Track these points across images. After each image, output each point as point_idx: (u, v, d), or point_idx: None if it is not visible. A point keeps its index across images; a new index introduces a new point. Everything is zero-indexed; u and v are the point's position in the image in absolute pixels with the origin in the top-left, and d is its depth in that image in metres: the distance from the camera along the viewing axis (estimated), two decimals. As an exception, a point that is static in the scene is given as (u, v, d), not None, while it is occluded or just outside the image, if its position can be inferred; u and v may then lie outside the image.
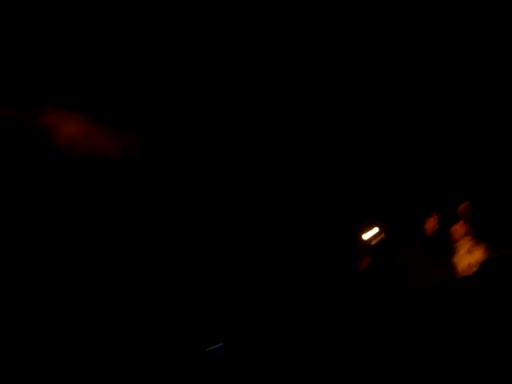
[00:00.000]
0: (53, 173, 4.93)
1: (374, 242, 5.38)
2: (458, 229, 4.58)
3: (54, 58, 5.16)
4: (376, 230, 5.48)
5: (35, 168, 4.88)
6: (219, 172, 5.68)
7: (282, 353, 3.34)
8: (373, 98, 5.98)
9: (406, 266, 4.55)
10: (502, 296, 2.79)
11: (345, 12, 5.26)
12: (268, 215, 5.60)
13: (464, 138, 5.63)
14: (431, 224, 5.00)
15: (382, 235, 5.29)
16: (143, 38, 5.36)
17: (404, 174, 5.90)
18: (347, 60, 5.62)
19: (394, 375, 2.61)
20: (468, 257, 4.21)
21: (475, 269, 3.83)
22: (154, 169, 5.47)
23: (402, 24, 5.27)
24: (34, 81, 5.12)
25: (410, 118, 6.02)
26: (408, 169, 5.91)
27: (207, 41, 5.55)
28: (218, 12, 5.35)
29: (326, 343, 3.13)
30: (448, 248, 4.52)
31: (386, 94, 5.98)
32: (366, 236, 5.43)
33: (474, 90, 5.59)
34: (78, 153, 5.16)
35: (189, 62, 5.62)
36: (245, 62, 5.69)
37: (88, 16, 5.11)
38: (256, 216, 5.55)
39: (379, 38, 5.41)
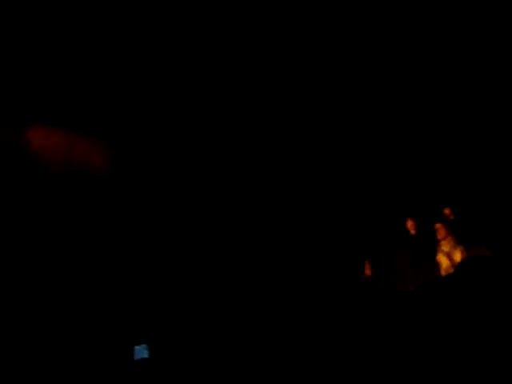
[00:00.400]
0: (33, 185, 5.09)
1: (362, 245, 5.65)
2: (440, 230, 4.94)
3: (35, 74, 5.30)
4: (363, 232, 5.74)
5: (16, 180, 5.01)
6: (199, 179, 5.82)
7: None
8: (354, 107, 6.19)
9: (394, 267, 4.92)
10: (480, 293, 3.11)
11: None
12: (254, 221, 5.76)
13: (448, 143, 5.96)
14: (415, 225, 5.37)
15: (371, 237, 5.61)
16: (122, 54, 5.51)
17: (390, 177, 6.19)
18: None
19: (385, 373, 2.89)
20: (449, 258, 4.63)
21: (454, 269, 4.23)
22: (135, 178, 5.61)
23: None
24: (15, 96, 5.25)
25: (394, 122, 6.31)
26: (395, 172, 6.20)
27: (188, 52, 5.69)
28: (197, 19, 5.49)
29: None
30: (432, 248, 4.91)
31: (368, 102, 6.21)
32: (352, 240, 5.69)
33: (458, 95, 5.89)
34: (58, 165, 5.33)
35: (170, 73, 5.75)
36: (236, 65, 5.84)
37: (66, 33, 5.26)
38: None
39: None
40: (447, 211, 5.23)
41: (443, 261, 4.67)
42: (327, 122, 6.20)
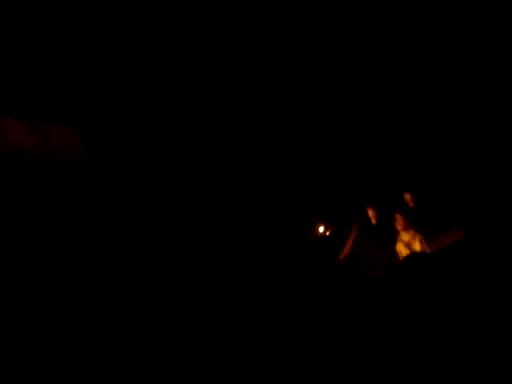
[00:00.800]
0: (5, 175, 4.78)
1: (327, 234, 5.66)
2: (399, 220, 5.00)
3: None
4: (328, 221, 5.74)
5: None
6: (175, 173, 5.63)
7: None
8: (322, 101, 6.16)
9: (358, 256, 4.94)
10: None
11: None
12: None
13: (407, 135, 6.05)
14: (375, 215, 5.42)
15: (334, 227, 5.61)
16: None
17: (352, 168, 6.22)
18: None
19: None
20: (408, 248, 4.69)
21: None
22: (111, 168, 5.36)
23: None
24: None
25: (355, 112, 6.32)
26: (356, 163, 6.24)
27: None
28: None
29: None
30: (391, 238, 4.96)
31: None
32: (320, 229, 5.69)
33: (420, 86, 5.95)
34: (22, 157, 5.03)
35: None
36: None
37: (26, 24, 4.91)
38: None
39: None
40: (407, 201, 5.31)
41: (402, 250, 4.72)
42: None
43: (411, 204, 5.28)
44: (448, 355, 2.70)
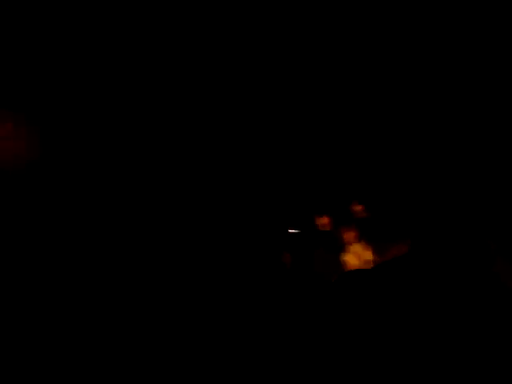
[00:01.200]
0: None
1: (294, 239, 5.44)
2: (348, 230, 4.77)
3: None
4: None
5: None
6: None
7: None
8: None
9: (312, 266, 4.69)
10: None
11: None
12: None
13: (361, 141, 5.97)
14: (325, 224, 5.20)
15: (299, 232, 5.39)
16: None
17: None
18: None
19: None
20: (357, 258, 4.44)
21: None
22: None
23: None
24: None
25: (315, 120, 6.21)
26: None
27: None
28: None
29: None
30: (339, 248, 4.72)
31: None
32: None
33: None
34: None
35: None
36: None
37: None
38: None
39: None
40: (358, 210, 5.11)
41: (353, 261, 4.47)
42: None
43: (363, 214, 5.09)
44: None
